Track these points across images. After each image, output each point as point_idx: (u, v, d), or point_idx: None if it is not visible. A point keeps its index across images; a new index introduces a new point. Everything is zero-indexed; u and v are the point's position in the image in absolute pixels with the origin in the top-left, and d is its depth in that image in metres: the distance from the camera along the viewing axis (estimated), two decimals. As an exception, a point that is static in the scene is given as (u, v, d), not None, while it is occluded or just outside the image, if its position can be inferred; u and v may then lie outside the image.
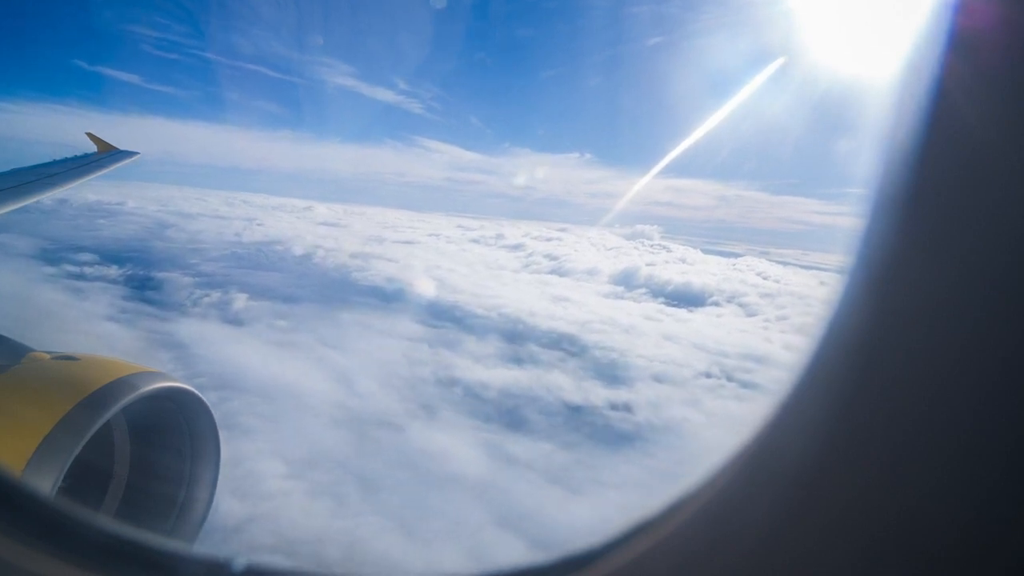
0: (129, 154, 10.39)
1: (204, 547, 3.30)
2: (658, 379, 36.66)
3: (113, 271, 48.07)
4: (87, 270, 47.27)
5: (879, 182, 0.74)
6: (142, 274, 48.64)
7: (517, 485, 24.09)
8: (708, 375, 37.98)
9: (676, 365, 39.08)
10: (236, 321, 40.84)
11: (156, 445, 3.29)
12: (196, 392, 3.24)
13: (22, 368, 3.05)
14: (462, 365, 36.35)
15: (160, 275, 49.07)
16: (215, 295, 45.75)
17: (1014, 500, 0.63)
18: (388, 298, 50.22)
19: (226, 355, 32.07)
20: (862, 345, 0.72)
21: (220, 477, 3.34)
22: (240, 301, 44.77)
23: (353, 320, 42.87)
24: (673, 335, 45.53)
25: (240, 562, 1.05)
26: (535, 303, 51.70)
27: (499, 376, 35.33)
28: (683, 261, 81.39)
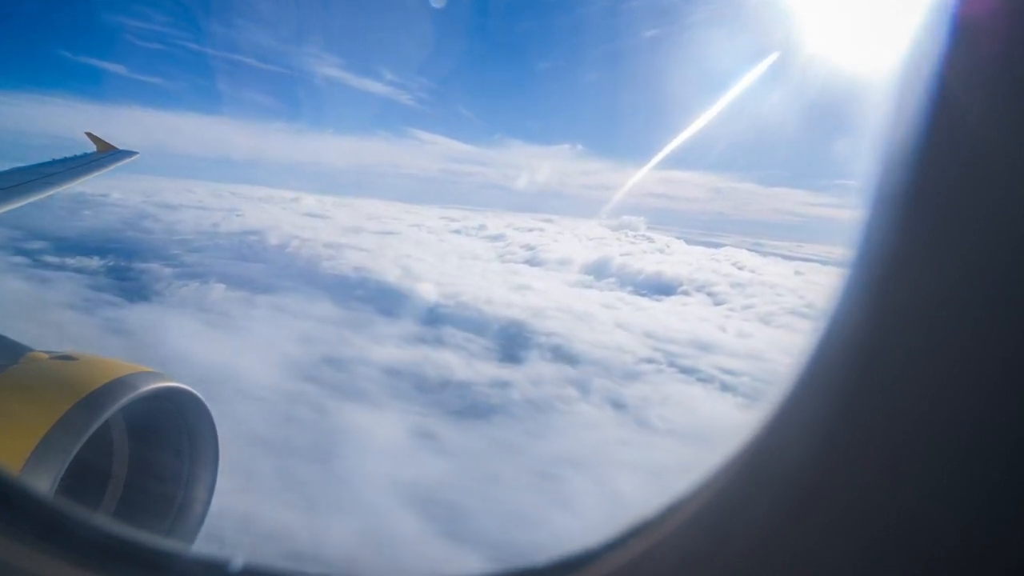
0: (128, 153, 10.21)
1: (202, 547, 3.22)
2: (591, 363, 36.76)
3: (82, 261, 46.38)
4: (54, 259, 45.53)
5: (878, 178, 0.71)
6: (111, 263, 47.10)
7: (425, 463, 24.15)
8: (651, 360, 37.94)
9: (618, 351, 39.06)
10: (193, 308, 39.70)
11: (154, 445, 3.21)
12: (195, 392, 3.16)
13: (20, 368, 2.96)
14: (395, 350, 35.95)
15: (128, 264, 47.52)
16: (180, 283, 44.52)
17: (1014, 500, 0.61)
18: (349, 286, 49.22)
19: (176, 341, 30.98)
20: (862, 344, 0.69)
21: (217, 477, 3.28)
22: (203, 289, 43.60)
23: (307, 307, 41.86)
24: (627, 322, 45.13)
25: (237, 562, 1.02)
26: (495, 291, 50.90)
27: (433, 360, 35.07)
28: (662, 251, 78.91)
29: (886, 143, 0.70)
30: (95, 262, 47.01)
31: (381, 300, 45.60)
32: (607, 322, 45.30)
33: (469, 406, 30.22)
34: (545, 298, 50.64)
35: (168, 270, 47.65)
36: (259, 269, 53.20)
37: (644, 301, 53.99)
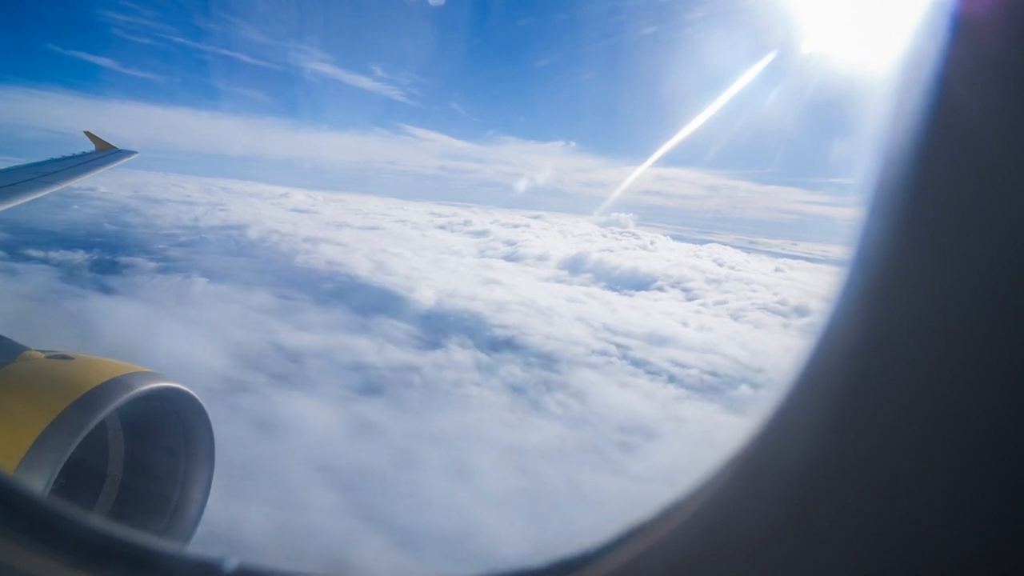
0: (127, 153, 9.93)
1: (198, 547, 3.12)
2: (532, 354, 36.22)
3: (64, 255, 44.90)
4: (37, 253, 43.85)
5: (876, 176, 0.68)
6: (93, 258, 45.75)
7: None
8: (603, 353, 37.42)
9: (570, 343, 38.54)
10: (156, 301, 38.84)
11: (150, 445, 3.10)
12: (191, 392, 3.05)
13: (16, 367, 2.84)
14: (334, 339, 35.14)
15: (108, 258, 46.26)
16: (153, 277, 43.57)
17: (1013, 503, 0.59)
18: (318, 280, 48.28)
19: (133, 332, 30.20)
20: (860, 344, 0.67)
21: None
22: (170, 282, 42.64)
23: (269, 300, 40.84)
24: (589, 316, 44.39)
25: (233, 562, 0.99)
26: (463, 285, 49.92)
27: (356, 348, 34.42)
28: (645, 248, 77.62)
29: (885, 142, 0.68)
30: (77, 256, 45.50)
31: (346, 293, 44.71)
32: (568, 316, 44.42)
33: (370, 387, 29.68)
34: (511, 292, 49.61)
35: (147, 264, 46.35)
36: (232, 263, 51.68)
37: (613, 296, 53.31)
